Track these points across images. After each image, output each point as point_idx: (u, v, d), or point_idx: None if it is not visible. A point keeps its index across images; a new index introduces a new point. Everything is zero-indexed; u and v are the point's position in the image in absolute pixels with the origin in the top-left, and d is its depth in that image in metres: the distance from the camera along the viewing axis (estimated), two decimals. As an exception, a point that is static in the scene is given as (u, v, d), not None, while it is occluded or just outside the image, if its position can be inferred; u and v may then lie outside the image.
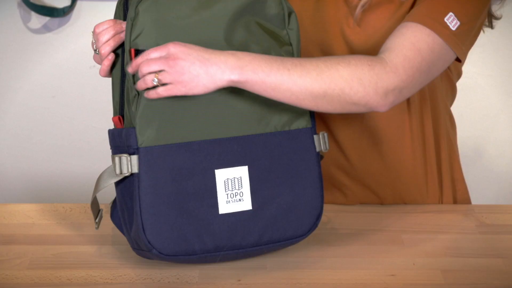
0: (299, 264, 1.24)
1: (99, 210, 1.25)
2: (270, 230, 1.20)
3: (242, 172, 1.18)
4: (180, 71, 1.12)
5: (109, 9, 2.50)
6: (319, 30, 1.40)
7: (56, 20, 2.52)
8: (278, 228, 1.20)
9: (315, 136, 1.23)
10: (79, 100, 2.59)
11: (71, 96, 2.58)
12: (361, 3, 1.34)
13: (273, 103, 1.19)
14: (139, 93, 1.15)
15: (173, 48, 1.13)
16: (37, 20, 2.51)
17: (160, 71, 1.12)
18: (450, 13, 1.25)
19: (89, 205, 1.43)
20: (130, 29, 1.15)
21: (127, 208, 1.18)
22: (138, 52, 1.15)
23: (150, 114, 1.14)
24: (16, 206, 1.43)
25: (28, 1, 2.43)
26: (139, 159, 1.14)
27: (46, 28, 2.52)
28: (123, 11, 1.23)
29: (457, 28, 1.25)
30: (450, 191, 1.50)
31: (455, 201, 1.52)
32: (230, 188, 1.17)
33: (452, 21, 1.25)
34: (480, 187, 2.61)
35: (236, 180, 1.17)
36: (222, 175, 1.17)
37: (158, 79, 1.12)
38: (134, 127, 1.15)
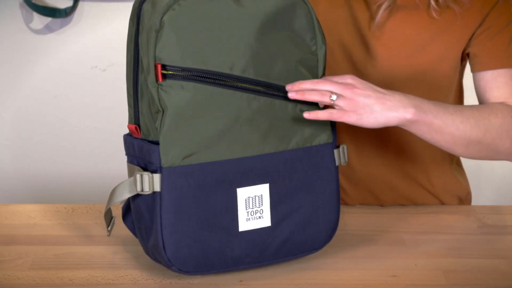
0: (301, 265, 1.24)
1: (112, 218, 1.24)
2: (288, 245, 1.20)
3: (263, 190, 1.17)
4: (356, 99, 1.13)
5: (111, 10, 2.51)
6: (337, 29, 1.38)
7: (58, 21, 2.52)
8: (296, 242, 1.20)
9: (335, 151, 1.22)
10: (81, 100, 2.59)
11: (73, 96, 2.59)
12: (383, 6, 1.33)
13: (296, 120, 1.18)
14: (163, 110, 1.11)
15: (351, 79, 1.15)
16: (39, 20, 2.51)
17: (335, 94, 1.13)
18: None
19: (91, 205, 1.43)
20: (154, 41, 1.10)
21: (144, 220, 1.17)
22: (164, 67, 1.10)
23: (175, 134, 1.11)
24: (18, 206, 1.43)
25: (30, 2, 2.43)
26: (162, 179, 1.12)
27: (48, 29, 2.53)
28: (137, 16, 1.15)
29: None
30: (454, 193, 1.51)
31: (459, 201, 1.52)
32: (251, 206, 1.16)
33: None
34: (480, 187, 2.61)
35: (257, 198, 1.16)
36: (243, 193, 1.16)
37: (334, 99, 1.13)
38: (157, 144, 1.12)
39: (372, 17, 1.35)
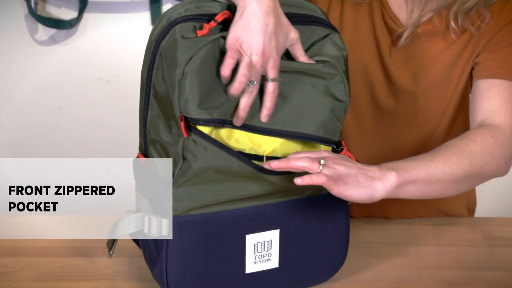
0: (305, 277, 1.24)
1: (114, 241, 1.21)
2: (294, 281, 1.19)
3: (273, 236, 1.15)
4: (339, 168, 1.08)
5: (116, 21, 2.52)
6: (356, 50, 1.37)
7: (63, 32, 2.53)
8: (302, 279, 1.20)
9: None
10: (86, 111, 2.59)
11: (78, 107, 2.59)
12: (405, 35, 1.33)
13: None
14: (184, 160, 1.07)
15: (328, 153, 1.11)
16: (44, 32, 2.52)
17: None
18: None
19: (95, 217, 1.43)
20: (178, 92, 1.05)
21: (149, 248, 1.17)
22: (186, 120, 1.06)
23: (190, 189, 1.09)
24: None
25: (35, 13, 2.44)
26: (170, 225, 1.10)
27: (53, 40, 2.53)
28: (152, 53, 1.11)
29: None
30: (464, 203, 1.51)
31: (469, 212, 1.52)
32: (259, 250, 1.15)
33: None
34: (481, 198, 2.60)
35: (266, 243, 1.15)
36: (252, 239, 1.14)
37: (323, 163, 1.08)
38: (168, 190, 1.09)
39: (393, 43, 1.36)
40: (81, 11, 2.47)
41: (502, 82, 1.28)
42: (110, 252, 1.20)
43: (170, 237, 1.10)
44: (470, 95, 1.35)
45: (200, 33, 1.06)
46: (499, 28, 1.30)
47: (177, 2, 2.50)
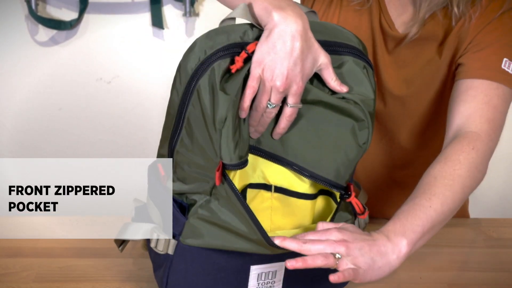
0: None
1: (125, 239, 1.20)
2: None
3: (278, 266, 1.13)
4: (353, 254, 1.04)
5: (116, 22, 2.52)
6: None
7: (63, 33, 2.53)
8: None
9: (355, 221, 1.19)
10: (86, 112, 2.60)
11: (78, 108, 2.59)
12: (407, 39, 1.32)
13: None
14: (210, 197, 1.07)
15: (338, 232, 1.07)
16: (44, 33, 2.52)
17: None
18: (505, 59, 1.26)
19: (95, 217, 1.43)
20: (220, 137, 1.03)
21: (154, 258, 1.17)
22: (224, 167, 1.04)
23: (201, 229, 1.08)
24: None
25: (36, 14, 2.45)
26: (177, 248, 1.10)
27: (53, 41, 2.54)
28: (188, 87, 1.06)
29: None
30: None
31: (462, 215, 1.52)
32: (263, 279, 1.14)
33: (509, 66, 1.26)
34: (480, 199, 2.60)
35: (270, 273, 1.14)
36: (257, 269, 1.12)
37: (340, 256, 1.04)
38: (184, 217, 1.09)
39: (386, 47, 1.37)
40: (81, 12, 2.47)
41: (481, 82, 1.26)
42: (120, 248, 1.19)
43: (175, 258, 1.10)
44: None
45: (233, 67, 1.02)
46: (480, 28, 1.30)
47: (178, 3, 2.50)
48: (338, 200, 1.15)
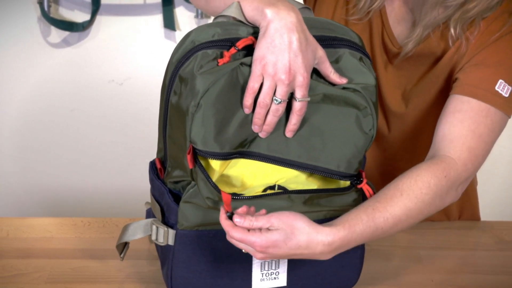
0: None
1: (126, 244, 1.22)
2: None
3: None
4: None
5: (128, 24, 2.53)
6: None
7: (75, 35, 2.54)
8: None
9: None
10: (98, 114, 2.60)
11: (90, 110, 2.60)
12: (402, 53, 1.31)
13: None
14: (195, 182, 1.08)
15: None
16: (56, 34, 2.53)
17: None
18: (500, 80, 1.23)
19: (107, 219, 1.43)
20: (191, 122, 1.04)
21: (161, 248, 1.18)
22: (195, 151, 1.06)
23: (195, 207, 1.09)
24: (35, 220, 1.43)
25: (48, 16, 2.46)
26: (176, 237, 1.11)
27: (65, 43, 2.55)
28: (171, 75, 1.09)
29: (510, 94, 1.23)
30: (460, 208, 1.50)
31: (462, 217, 1.51)
32: (266, 268, 1.14)
33: (503, 88, 1.23)
34: (493, 202, 2.60)
35: (273, 262, 1.14)
36: None
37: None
38: (177, 205, 1.10)
39: (387, 63, 1.36)
40: (93, 14, 2.48)
41: (471, 105, 1.22)
42: (121, 255, 1.20)
43: (176, 247, 1.11)
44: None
45: (221, 61, 1.04)
46: (479, 50, 1.27)
47: (190, 5, 2.50)
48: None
